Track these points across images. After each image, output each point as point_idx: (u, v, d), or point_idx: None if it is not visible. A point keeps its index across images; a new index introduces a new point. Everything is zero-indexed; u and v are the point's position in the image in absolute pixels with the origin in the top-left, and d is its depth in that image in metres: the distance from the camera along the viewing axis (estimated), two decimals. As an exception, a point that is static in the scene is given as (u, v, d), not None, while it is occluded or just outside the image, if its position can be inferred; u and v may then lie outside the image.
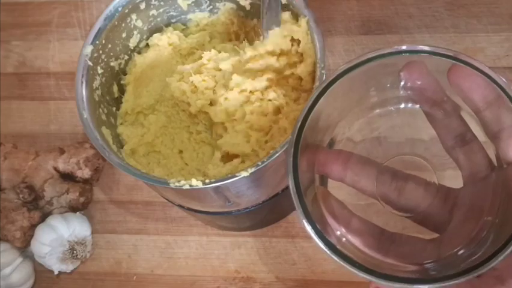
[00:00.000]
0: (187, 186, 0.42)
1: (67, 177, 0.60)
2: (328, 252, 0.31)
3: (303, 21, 0.47)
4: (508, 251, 0.28)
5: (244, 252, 0.58)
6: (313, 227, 0.31)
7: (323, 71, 0.44)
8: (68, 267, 0.58)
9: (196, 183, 0.41)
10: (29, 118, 0.67)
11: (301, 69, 0.47)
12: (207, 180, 0.42)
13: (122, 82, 0.53)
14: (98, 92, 0.49)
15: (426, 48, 0.33)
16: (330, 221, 0.35)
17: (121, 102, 0.52)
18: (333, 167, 0.36)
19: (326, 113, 0.36)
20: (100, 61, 0.49)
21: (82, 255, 0.58)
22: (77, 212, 0.60)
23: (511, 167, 0.32)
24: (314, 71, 0.46)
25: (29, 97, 0.68)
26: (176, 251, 0.59)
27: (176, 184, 0.42)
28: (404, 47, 0.33)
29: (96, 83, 0.49)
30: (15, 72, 0.69)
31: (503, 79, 0.32)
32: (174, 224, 0.60)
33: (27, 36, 0.71)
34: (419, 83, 0.35)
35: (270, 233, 0.58)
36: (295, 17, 0.48)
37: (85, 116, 0.46)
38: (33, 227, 0.58)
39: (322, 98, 0.34)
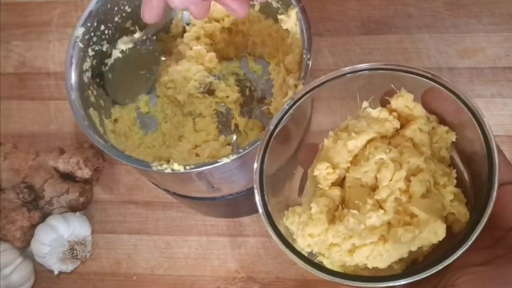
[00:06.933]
0: (168, 170, 0.42)
1: (67, 177, 0.60)
2: (295, 258, 0.32)
3: (292, 12, 0.47)
4: (447, 263, 0.29)
5: (244, 252, 0.58)
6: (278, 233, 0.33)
7: (308, 62, 0.44)
8: (68, 267, 0.58)
9: (177, 167, 0.42)
10: (29, 118, 0.67)
11: (289, 60, 0.47)
12: (188, 166, 0.42)
13: None
14: (88, 73, 0.49)
15: (403, 68, 0.33)
16: None
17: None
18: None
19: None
20: (91, 43, 0.49)
21: (82, 255, 0.58)
22: (77, 212, 0.60)
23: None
24: (301, 62, 0.46)
25: (29, 97, 0.68)
26: (176, 251, 0.59)
27: (158, 168, 0.42)
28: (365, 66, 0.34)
29: (86, 65, 0.49)
30: (15, 72, 0.69)
31: (474, 103, 0.31)
32: (174, 224, 0.60)
33: (27, 36, 0.71)
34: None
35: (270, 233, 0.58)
36: (286, 7, 0.48)
37: (73, 97, 0.47)
38: (33, 227, 0.58)
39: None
